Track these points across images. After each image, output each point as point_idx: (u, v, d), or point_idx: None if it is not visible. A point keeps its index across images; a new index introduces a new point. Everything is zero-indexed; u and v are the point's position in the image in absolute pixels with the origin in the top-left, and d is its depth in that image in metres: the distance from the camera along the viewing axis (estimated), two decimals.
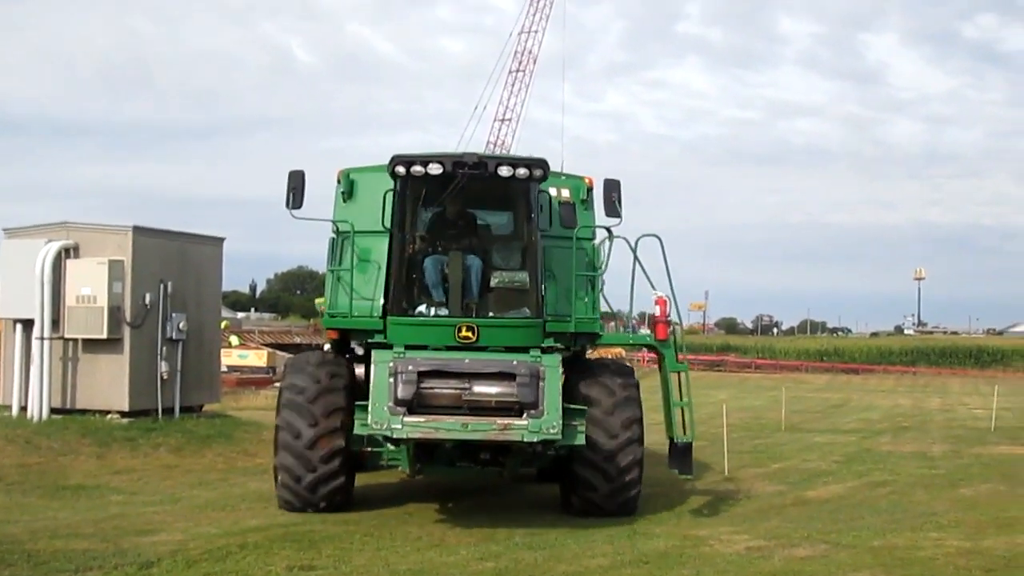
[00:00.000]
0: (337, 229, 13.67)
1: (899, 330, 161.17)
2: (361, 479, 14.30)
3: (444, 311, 13.01)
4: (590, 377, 13.61)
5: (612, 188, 13.58)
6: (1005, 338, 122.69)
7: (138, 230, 20.36)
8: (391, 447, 12.82)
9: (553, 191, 13.96)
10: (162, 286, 20.42)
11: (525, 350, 12.63)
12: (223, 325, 31.24)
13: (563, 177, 14.27)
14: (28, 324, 20.12)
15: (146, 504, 14.02)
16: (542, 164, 12.74)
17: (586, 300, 13.76)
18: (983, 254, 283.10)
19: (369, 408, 11.87)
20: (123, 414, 19.55)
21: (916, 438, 26.07)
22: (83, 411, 19.85)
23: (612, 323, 16.58)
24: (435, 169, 12.53)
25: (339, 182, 14.06)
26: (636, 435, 13.17)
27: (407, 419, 11.72)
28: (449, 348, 12.61)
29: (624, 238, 13.97)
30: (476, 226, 13.89)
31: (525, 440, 11.73)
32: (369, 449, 13.04)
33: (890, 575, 10.34)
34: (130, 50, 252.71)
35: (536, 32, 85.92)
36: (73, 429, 18.58)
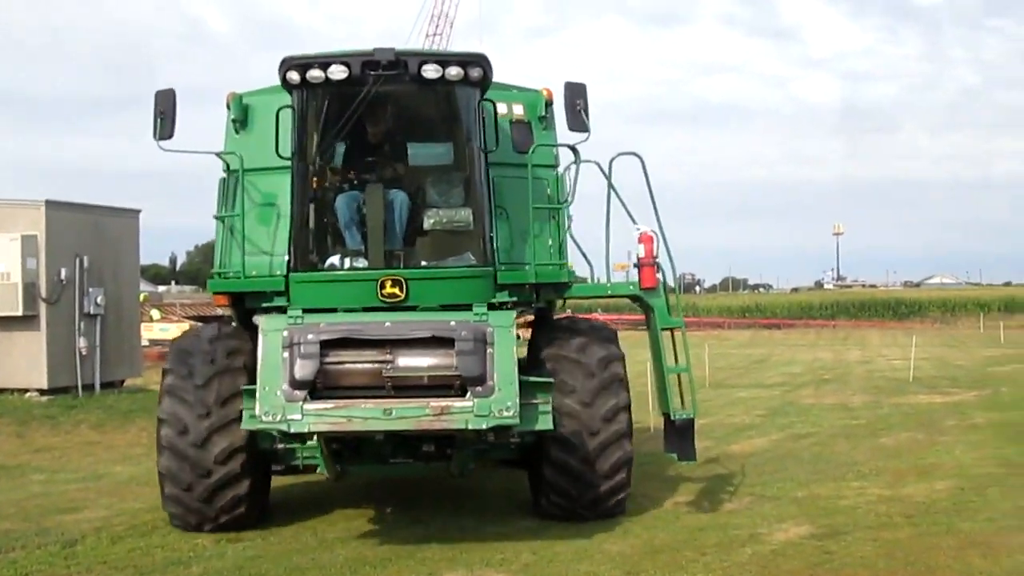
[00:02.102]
0: (227, 166, 10.82)
1: (819, 285, 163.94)
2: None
3: (363, 262, 10.18)
4: (557, 349, 10.62)
5: (577, 94, 10.48)
6: (921, 290, 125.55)
7: (51, 204, 19.99)
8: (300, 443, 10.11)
9: (503, 108, 11.00)
10: (78, 261, 20.09)
11: (470, 308, 9.84)
12: (142, 298, 30.88)
13: (515, 91, 11.40)
14: None
15: (68, 482, 13.80)
16: (481, 61, 9.93)
17: (549, 242, 10.83)
18: (899, 207, 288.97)
19: (257, 393, 9.06)
20: (42, 392, 19.28)
21: (837, 390, 26.48)
22: (1, 390, 19.52)
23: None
24: (338, 72, 9.65)
25: (229, 108, 11.14)
26: (623, 428, 10.37)
27: (308, 406, 8.90)
28: (370, 310, 9.83)
29: (595, 162, 11.01)
30: (404, 152, 10.75)
31: (470, 427, 8.94)
32: (281, 446, 10.23)
33: (814, 524, 10.49)
34: (42, 19, 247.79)
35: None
36: None
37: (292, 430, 8.92)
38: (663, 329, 11.28)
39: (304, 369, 9.06)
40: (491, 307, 9.85)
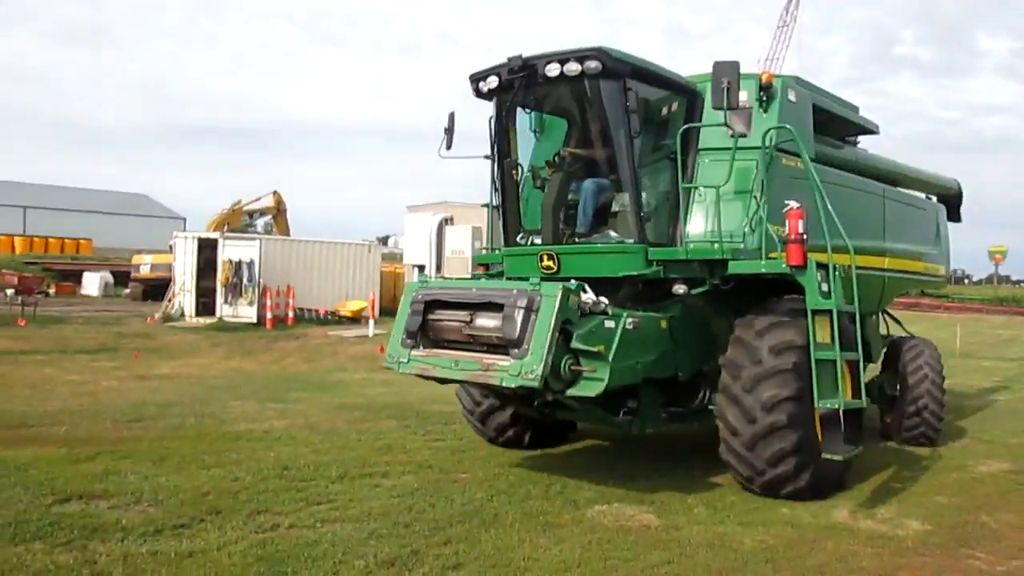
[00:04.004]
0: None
1: None
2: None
3: (539, 240, 8.54)
4: (742, 330, 7.98)
5: (724, 72, 7.51)
6: None
7: (484, 206, 21.60)
8: None
9: None
10: None
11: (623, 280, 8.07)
12: None
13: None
14: (421, 268, 21.91)
15: None
16: (597, 54, 7.68)
17: (743, 222, 8.20)
18: None
19: (389, 340, 8.27)
20: None
21: None
22: None
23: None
24: (492, 81, 8.31)
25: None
26: (783, 419, 7.52)
27: (414, 352, 7.96)
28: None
29: (763, 147, 8.34)
30: (573, 144, 8.61)
31: (503, 384, 7.23)
32: None
33: (1015, 463, 9.77)
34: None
35: (778, 59, 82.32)
36: None
37: (400, 371, 8.02)
38: (813, 311, 7.70)
39: (412, 322, 8.03)
40: (544, 279, 7.65)
